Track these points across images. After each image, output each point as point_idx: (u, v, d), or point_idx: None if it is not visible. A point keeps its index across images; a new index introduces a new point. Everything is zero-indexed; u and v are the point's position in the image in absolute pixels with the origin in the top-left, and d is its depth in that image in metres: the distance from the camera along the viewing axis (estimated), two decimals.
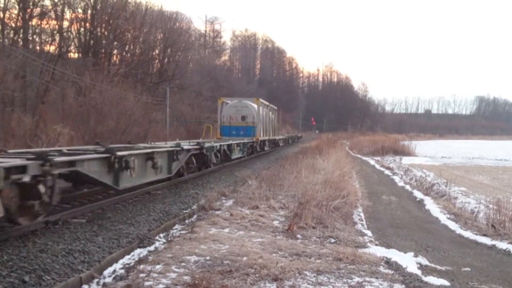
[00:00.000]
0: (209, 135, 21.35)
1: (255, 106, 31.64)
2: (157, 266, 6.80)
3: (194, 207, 11.95)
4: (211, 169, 19.63)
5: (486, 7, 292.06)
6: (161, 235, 8.96)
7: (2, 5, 29.46)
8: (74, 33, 35.20)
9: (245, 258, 7.34)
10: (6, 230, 7.50)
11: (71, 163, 8.87)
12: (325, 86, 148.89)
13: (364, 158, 41.74)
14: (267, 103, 37.02)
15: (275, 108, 42.51)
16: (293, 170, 18.34)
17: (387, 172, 28.38)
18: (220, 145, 21.02)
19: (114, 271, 6.70)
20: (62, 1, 33.41)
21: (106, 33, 36.73)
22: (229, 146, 22.72)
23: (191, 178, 16.84)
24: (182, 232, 9.27)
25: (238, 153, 24.91)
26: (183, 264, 7.03)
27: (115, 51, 40.14)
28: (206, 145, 17.75)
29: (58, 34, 33.12)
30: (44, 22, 32.55)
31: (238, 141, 25.17)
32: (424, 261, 8.51)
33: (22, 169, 7.30)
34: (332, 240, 9.23)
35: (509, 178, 26.90)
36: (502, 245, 10.32)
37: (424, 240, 10.89)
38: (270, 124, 37.60)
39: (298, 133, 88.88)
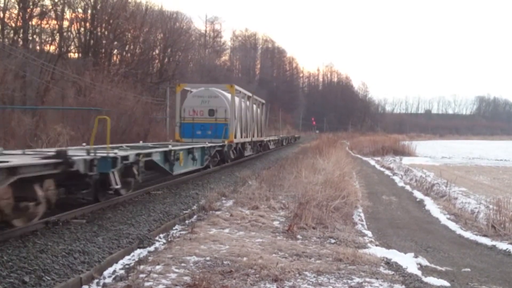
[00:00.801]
0: (105, 134, 13.34)
1: (229, 96, 23.26)
2: (157, 267, 6.80)
3: (194, 207, 11.95)
4: (205, 172, 19.09)
5: (486, 7, 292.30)
6: (161, 235, 8.96)
7: (2, 5, 29.49)
8: (74, 33, 35.21)
9: (245, 259, 7.35)
10: (6, 230, 7.50)
11: None
12: (325, 86, 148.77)
13: (364, 158, 41.74)
14: (249, 93, 28.15)
15: (262, 101, 33.77)
16: (293, 171, 18.34)
17: (387, 172, 28.37)
18: (137, 156, 11.67)
19: (114, 271, 6.70)
20: (62, 1, 33.42)
21: (106, 33, 36.72)
22: (165, 154, 13.84)
23: (192, 178, 16.81)
24: (182, 232, 9.28)
25: (191, 164, 16.75)
26: (183, 264, 7.03)
27: (115, 51, 40.16)
28: (98, 155, 9.86)
29: (58, 34, 33.13)
30: (44, 22, 32.58)
31: (189, 146, 16.85)
32: (424, 262, 8.51)
33: None
34: (332, 241, 9.24)
35: (510, 179, 26.89)
36: (503, 245, 10.32)
37: (424, 240, 10.88)
38: (253, 121, 28.94)
39: (298, 133, 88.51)
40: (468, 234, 11.59)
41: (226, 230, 9.53)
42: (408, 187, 20.66)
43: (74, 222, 8.84)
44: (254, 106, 29.58)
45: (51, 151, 9.78)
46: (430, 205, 15.84)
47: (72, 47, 35.02)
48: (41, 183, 8.05)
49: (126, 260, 7.31)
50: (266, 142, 37.52)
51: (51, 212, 8.68)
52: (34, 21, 31.61)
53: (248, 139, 27.35)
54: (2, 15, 29.48)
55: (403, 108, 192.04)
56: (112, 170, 10.15)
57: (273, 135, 49.01)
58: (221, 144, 21.04)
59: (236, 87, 24.11)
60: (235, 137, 23.33)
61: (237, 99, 23.93)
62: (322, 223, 10.53)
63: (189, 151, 16.51)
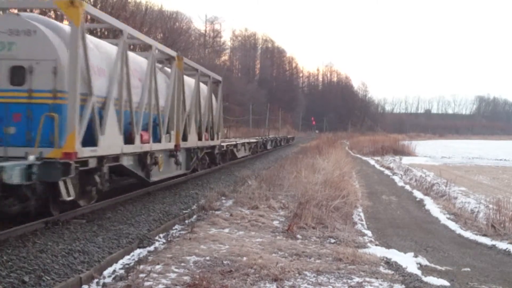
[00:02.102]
0: None
1: (66, 30, 9.37)
2: (157, 266, 6.79)
3: (194, 207, 11.95)
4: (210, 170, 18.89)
5: (486, 7, 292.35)
6: (161, 235, 8.96)
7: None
8: None
9: (245, 258, 7.34)
10: (6, 230, 7.50)
11: None
12: (325, 85, 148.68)
13: (364, 158, 41.74)
14: (169, 51, 14.51)
15: (216, 77, 20.03)
16: (293, 170, 18.33)
17: (387, 172, 28.37)
18: None
19: (114, 271, 6.70)
20: None
21: (106, 33, 36.73)
22: None
23: (191, 178, 16.83)
24: (182, 232, 9.27)
25: None
26: (183, 264, 7.02)
27: None
28: None
29: None
30: None
31: None
32: (424, 261, 8.52)
33: None
34: (332, 240, 9.24)
35: (509, 178, 26.90)
36: (502, 245, 10.33)
37: (424, 240, 10.89)
38: (185, 108, 15.26)
39: (297, 133, 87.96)
40: (468, 234, 11.59)
41: (226, 230, 9.53)
42: (408, 187, 20.65)
43: (74, 222, 8.83)
44: (191, 80, 16.54)
45: None
46: (430, 204, 15.83)
47: None
48: None
49: (126, 260, 7.30)
50: (229, 149, 23.12)
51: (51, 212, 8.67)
52: None
53: (167, 145, 13.51)
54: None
55: (402, 108, 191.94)
56: None
57: (251, 138, 36.38)
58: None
59: (99, 13, 10.38)
60: (96, 144, 9.67)
61: (106, 46, 11.13)
62: (322, 222, 10.53)
63: None
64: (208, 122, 18.72)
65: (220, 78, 21.01)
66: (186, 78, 16.00)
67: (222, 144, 21.71)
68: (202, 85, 17.89)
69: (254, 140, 33.08)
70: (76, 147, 8.70)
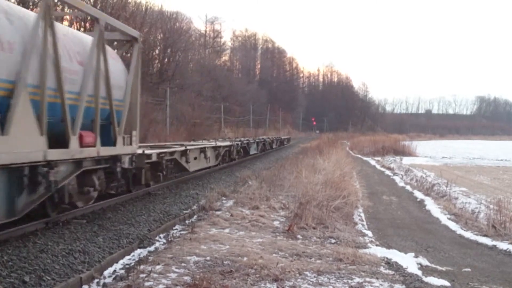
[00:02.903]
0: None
1: None
2: (157, 267, 6.79)
3: (195, 207, 11.95)
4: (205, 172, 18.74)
5: (487, 7, 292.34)
6: (161, 235, 8.95)
7: None
8: None
9: (245, 259, 7.34)
10: (7, 230, 7.49)
11: None
12: (325, 86, 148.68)
13: (365, 158, 41.74)
14: None
15: (123, 29, 10.78)
16: (293, 171, 18.32)
17: (387, 172, 28.36)
18: None
19: (114, 271, 6.70)
20: (62, 1, 33.40)
21: None
22: None
23: (192, 178, 16.84)
24: (182, 232, 9.27)
25: None
26: (183, 264, 7.02)
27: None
28: None
29: None
30: None
31: None
32: (425, 262, 8.51)
33: None
34: (333, 241, 9.23)
35: (510, 179, 26.87)
36: (503, 245, 10.33)
37: (425, 240, 10.88)
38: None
39: (298, 133, 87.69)
40: (468, 234, 11.59)
41: (226, 230, 9.52)
42: (408, 187, 20.65)
43: (74, 222, 8.83)
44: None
45: None
46: (431, 205, 15.84)
47: None
48: None
49: (126, 260, 7.30)
50: (164, 160, 13.70)
51: (52, 211, 8.66)
52: None
53: None
54: None
55: (403, 108, 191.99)
56: None
57: (224, 139, 29.04)
58: None
59: None
60: None
61: None
62: (322, 223, 10.52)
63: None
64: (97, 111, 9.34)
65: (135, 34, 11.58)
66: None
67: (147, 152, 12.40)
68: (76, 35, 9.91)
69: (227, 144, 22.81)
70: None
